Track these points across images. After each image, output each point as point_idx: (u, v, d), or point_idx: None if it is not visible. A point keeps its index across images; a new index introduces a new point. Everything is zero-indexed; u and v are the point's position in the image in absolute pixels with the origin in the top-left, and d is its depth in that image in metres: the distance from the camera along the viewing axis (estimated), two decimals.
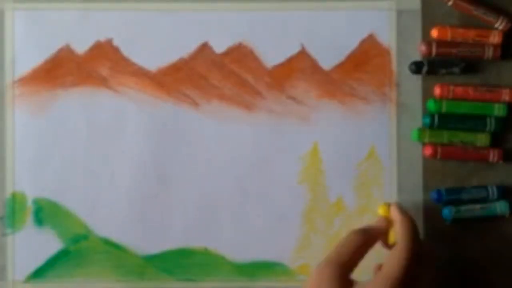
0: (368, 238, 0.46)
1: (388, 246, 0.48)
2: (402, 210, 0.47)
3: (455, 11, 0.52)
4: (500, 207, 0.51)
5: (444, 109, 0.51)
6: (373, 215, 0.52)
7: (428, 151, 0.52)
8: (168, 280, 0.53)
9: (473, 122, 0.52)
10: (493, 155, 0.52)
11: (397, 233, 0.46)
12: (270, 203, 0.53)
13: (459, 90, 0.52)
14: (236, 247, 0.53)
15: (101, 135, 0.53)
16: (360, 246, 0.45)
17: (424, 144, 0.52)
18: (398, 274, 0.42)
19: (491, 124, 0.51)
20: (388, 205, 0.49)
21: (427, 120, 0.52)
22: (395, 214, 0.47)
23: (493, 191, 0.52)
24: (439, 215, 0.52)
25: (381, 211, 0.49)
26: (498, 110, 0.52)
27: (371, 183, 0.53)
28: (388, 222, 0.48)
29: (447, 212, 0.51)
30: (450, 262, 0.52)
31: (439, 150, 0.51)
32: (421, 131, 0.52)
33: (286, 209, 0.53)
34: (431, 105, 0.52)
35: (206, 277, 0.53)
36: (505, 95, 0.52)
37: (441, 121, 0.51)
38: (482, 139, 0.52)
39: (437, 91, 0.52)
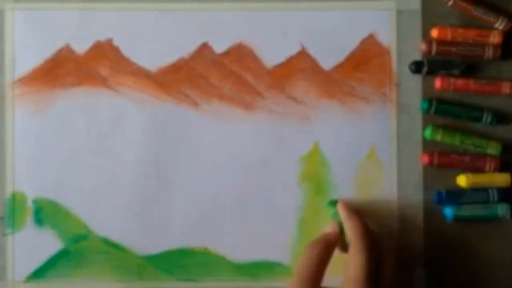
0: (324, 247, 0.48)
1: (345, 249, 0.49)
2: (348, 208, 0.49)
3: (455, 11, 0.53)
4: (501, 209, 0.51)
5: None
6: (374, 215, 0.52)
7: (425, 159, 0.52)
8: (168, 280, 0.53)
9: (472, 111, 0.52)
10: (489, 166, 0.52)
11: (348, 233, 0.48)
12: (270, 203, 0.53)
13: (460, 83, 0.52)
14: (236, 247, 0.53)
15: (101, 135, 0.53)
16: (320, 257, 0.47)
17: (422, 152, 0.52)
18: (361, 274, 0.44)
19: (487, 116, 0.52)
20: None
21: (425, 105, 0.52)
22: (341, 214, 0.49)
23: (493, 194, 0.52)
24: (439, 215, 0.52)
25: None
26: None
27: (371, 183, 0.53)
28: (339, 225, 0.49)
29: (449, 210, 0.51)
30: (450, 262, 0.52)
31: (436, 158, 0.51)
32: (434, 129, 0.52)
33: (286, 209, 0.53)
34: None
35: (206, 277, 0.53)
36: (506, 88, 0.52)
37: (438, 108, 0.52)
38: (493, 146, 0.52)
39: (437, 84, 0.52)
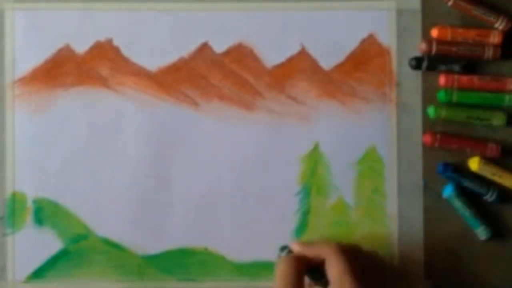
0: (298, 260, 0.47)
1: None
2: (301, 242, 0.49)
3: (455, 11, 0.52)
4: (482, 230, 0.52)
5: (454, 99, 0.52)
6: (373, 216, 0.52)
7: (427, 139, 0.52)
8: (168, 280, 0.53)
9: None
10: (490, 150, 0.52)
11: (317, 255, 0.47)
12: (270, 203, 0.53)
13: (464, 79, 0.52)
14: (236, 247, 0.53)
15: (101, 135, 0.53)
16: (297, 270, 0.46)
17: (424, 133, 0.52)
18: (345, 274, 0.46)
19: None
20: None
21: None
22: (301, 249, 0.48)
23: (492, 193, 0.52)
24: (440, 215, 0.52)
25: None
26: (509, 100, 0.52)
27: (371, 183, 0.53)
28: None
29: (449, 186, 0.52)
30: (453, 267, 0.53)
31: (438, 138, 0.51)
32: (438, 107, 0.52)
33: (286, 209, 0.53)
34: (441, 95, 0.52)
35: (206, 277, 0.53)
36: (510, 85, 0.52)
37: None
38: (499, 117, 0.52)
39: (442, 80, 0.52)
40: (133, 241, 0.53)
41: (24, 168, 0.53)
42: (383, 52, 0.53)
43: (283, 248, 0.49)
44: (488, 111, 0.52)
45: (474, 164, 0.52)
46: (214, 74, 0.53)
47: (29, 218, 0.52)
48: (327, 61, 0.53)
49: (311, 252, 0.48)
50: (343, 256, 0.47)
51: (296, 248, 0.49)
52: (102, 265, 0.53)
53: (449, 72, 0.52)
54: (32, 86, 0.53)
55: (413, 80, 0.53)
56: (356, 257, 0.48)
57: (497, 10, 0.52)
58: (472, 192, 0.52)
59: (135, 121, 0.53)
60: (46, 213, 0.52)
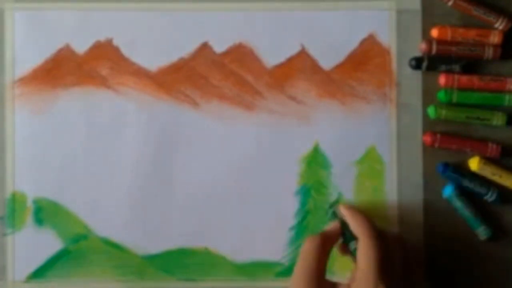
0: (324, 240, 0.47)
1: (343, 250, 0.49)
2: (350, 207, 0.49)
3: (455, 11, 0.53)
4: (482, 230, 0.52)
5: (454, 99, 0.52)
6: (373, 216, 0.52)
7: (427, 139, 0.52)
8: (168, 280, 0.53)
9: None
10: (491, 150, 0.52)
11: (354, 230, 0.47)
12: (270, 203, 0.53)
13: (464, 79, 0.52)
14: (236, 247, 0.53)
15: (101, 135, 0.53)
16: (320, 250, 0.47)
17: (424, 133, 0.52)
18: (374, 268, 0.45)
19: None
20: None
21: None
22: (345, 213, 0.49)
23: (492, 193, 0.52)
24: (440, 215, 0.52)
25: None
26: (509, 100, 0.52)
27: (371, 183, 0.53)
28: (340, 223, 0.49)
29: (449, 187, 0.52)
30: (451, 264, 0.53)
31: (438, 138, 0.51)
32: (438, 107, 0.52)
33: (286, 209, 0.53)
34: (441, 95, 0.52)
35: (206, 277, 0.53)
36: (511, 85, 0.52)
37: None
38: (498, 118, 0.52)
39: (442, 80, 0.52)
40: (133, 241, 0.53)
41: (24, 168, 0.53)
42: (383, 52, 0.53)
43: (331, 205, 0.51)
44: (488, 111, 0.52)
45: (474, 164, 0.52)
46: (214, 74, 0.53)
47: (29, 218, 0.52)
48: (327, 61, 0.53)
49: (350, 222, 0.48)
50: (376, 242, 0.46)
51: (341, 211, 0.49)
52: (102, 265, 0.53)
53: (449, 72, 0.52)
54: (32, 86, 0.53)
55: (413, 80, 0.53)
56: (385, 246, 0.47)
57: (497, 10, 0.52)
58: (472, 192, 0.52)
59: (135, 121, 0.53)
60: (46, 213, 0.52)
